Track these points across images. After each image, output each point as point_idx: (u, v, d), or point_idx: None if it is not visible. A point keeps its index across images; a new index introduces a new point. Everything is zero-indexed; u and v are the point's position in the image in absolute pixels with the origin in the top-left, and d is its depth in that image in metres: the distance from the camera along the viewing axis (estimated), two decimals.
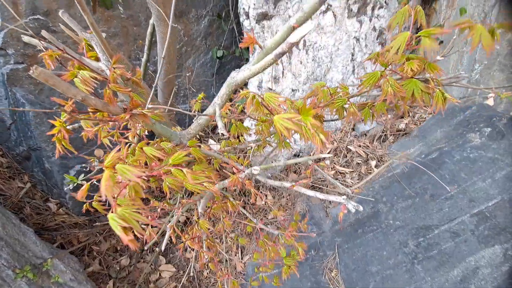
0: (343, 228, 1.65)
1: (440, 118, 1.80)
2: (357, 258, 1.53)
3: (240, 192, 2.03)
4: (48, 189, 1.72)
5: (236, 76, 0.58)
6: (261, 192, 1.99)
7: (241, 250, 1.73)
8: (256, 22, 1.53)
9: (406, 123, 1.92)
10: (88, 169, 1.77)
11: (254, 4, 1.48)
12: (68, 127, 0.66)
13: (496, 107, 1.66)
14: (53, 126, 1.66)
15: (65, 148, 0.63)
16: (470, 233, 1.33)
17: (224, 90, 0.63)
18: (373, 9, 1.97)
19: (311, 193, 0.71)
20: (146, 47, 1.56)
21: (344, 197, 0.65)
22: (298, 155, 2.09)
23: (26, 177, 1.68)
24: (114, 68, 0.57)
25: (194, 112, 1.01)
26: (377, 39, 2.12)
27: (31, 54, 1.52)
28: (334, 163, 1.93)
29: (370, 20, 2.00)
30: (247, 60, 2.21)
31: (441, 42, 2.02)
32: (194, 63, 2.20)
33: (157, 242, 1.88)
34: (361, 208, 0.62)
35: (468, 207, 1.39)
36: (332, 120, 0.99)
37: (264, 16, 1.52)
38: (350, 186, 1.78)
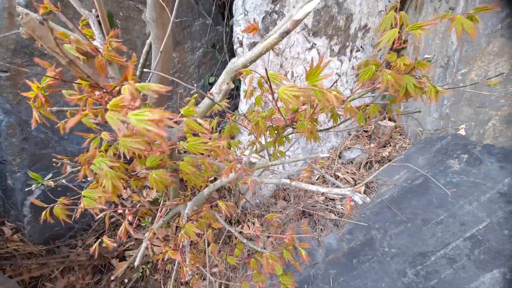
0: (337, 258, 1.53)
1: (420, 147, 1.90)
2: None
3: (225, 220, 1.88)
4: (5, 210, 1.49)
5: (237, 60, 0.58)
6: (248, 220, 1.86)
7: (227, 279, 1.52)
8: (249, 50, 1.64)
9: (389, 151, 2.00)
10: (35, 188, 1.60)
11: (247, 35, 1.61)
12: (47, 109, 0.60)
13: (468, 137, 1.80)
14: (25, 138, 1.51)
15: (44, 117, 0.56)
16: (466, 258, 1.28)
17: (222, 77, 0.63)
18: (351, 51, 2.22)
19: (313, 187, 0.67)
20: (140, 65, 1.59)
21: (349, 189, 0.62)
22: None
23: None
24: (109, 42, 0.55)
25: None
26: (356, 76, 2.34)
27: (18, 63, 1.48)
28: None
29: (349, 60, 2.23)
30: (238, 88, 2.30)
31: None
32: (185, 88, 2.25)
33: (127, 280, 1.62)
34: (368, 200, 0.58)
35: (460, 231, 1.37)
36: (327, 130, 1.00)
37: (255, 45, 1.64)
38: (340, 213, 1.73)
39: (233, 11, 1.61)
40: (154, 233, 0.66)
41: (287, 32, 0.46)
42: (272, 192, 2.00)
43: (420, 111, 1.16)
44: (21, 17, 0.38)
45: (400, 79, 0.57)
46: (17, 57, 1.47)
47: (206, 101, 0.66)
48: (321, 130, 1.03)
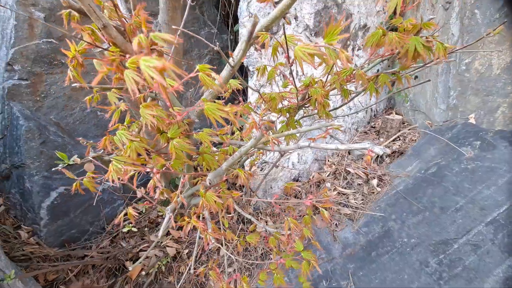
0: (354, 252, 1.49)
1: (430, 137, 1.88)
2: (376, 286, 1.34)
3: (238, 219, 1.87)
4: (22, 213, 1.52)
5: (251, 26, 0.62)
6: (260, 218, 1.84)
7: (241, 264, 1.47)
8: (255, 50, 1.71)
9: (399, 145, 1.99)
10: (69, 191, 1.62)
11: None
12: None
13: (478, 125, 1.79)
14: (44, 142, 1.57)
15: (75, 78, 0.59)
16: (490, 243, 1.24)
17: (240, 46, 0.66)
18: (353, 49, 2.27)
19: (331, 146, 0.68)
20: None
21: (368, 142, 0.62)
22: (297, 180, 2.03)
23: (0, 199, 1.49)
24: (137, 13, 0.59)
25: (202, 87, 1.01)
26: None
27: (37, 72, 1.56)
28: (335, 186, 1.88)
29: (352, 58, 2.28)
30: (244, 93, 2.36)
31: (416, 77, 2.28)
32: (193, 93, 2.31)
33: (140, 284, 1.60)
34: (388, 151, 0.59)
35: (481, 215, 1.33)
36: (336, 108, 1.02)
37: (261, 45, 1.70)
38: (355, 207, 1.70)
39: (238, 15, 1.69)
40: (182, 205, 0.66)
41: None
42: (282, 190, 1.99)
43: (430, 80, 1.17)
44: None
45: (406, 39, 0.60)
46: (37, 66, 1.56)
47: (224, 73, 0.69)
48: (334, 109, 1.04)
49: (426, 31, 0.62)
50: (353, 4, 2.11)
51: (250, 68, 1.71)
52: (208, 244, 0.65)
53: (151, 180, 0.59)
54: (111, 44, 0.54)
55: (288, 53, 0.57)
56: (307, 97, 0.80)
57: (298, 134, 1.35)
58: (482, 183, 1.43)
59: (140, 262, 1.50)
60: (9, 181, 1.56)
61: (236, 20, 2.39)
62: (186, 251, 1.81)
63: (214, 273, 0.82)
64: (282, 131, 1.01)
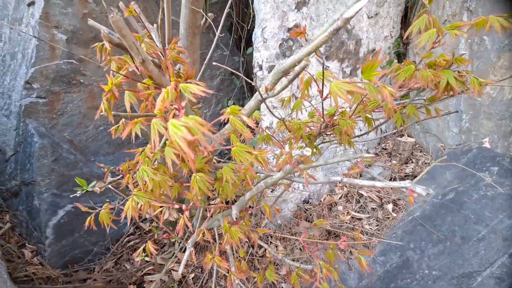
0: (371, 283, 1.41)
1: (445, 161, 1.85)
2: None
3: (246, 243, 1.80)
4: (27, 232, 1.48)
5: (285, 62, 0.62)
6: (270, 243, 1.77)
7: None
8: (268, 72, 1.74)
9: (412, 168, 1.95)
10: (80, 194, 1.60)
11: (267, 59, 1.73)
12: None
13: (493, 149, 1.75)
14: (56, 159, 1.57)
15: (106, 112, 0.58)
16: None
17: (270, 78, 0.66)
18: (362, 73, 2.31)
19: (367, 183, 0.65)
20: None
21: (408, 181, 0.60)
22: (308, 202, 1.98)
23: (7, 217, 1.47)
24: (172, 47, 0.60)
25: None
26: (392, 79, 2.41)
27: (56, 91, 1.60)
28: (348, 209, 1.83)
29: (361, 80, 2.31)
30: (251, 88, 2.38)
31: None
32: (203, 113, 2.34)
33: None
34: (431, 191, 0.56)
35: (504, 246, 1.26)
36: (358, 136, 1.01)
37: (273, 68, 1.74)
38: (370, 233, 1.63)
39: (253, 39, 1.75)
40: (203, 234, 0.63)
41: (337, 30, 0.50)
42: (293, 213, 1.93)
43: (457, 111, 1.16)
44: (112, 15, 0.43)
45: (439, 75, 0.59)
46: (56, 85, 1.59)
47: (251, 103, 0.69)
48: (357, 136, 1.03)
49: (457, 65, 0.62)
50: (362, 30, 2.17)
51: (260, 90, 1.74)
52: (231, 284, 0.61)
53: (181, 220, 0.57)
54: (147, 77, 0.54)
55: (322, 88, 0.57)
56: (330, 125, 0.80)
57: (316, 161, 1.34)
58: (503, 212, 1.37)
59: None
60: (18, 198, 1.54)
61: (247, 43, 2.47)
62: (192, 275, 1.73)
63: None
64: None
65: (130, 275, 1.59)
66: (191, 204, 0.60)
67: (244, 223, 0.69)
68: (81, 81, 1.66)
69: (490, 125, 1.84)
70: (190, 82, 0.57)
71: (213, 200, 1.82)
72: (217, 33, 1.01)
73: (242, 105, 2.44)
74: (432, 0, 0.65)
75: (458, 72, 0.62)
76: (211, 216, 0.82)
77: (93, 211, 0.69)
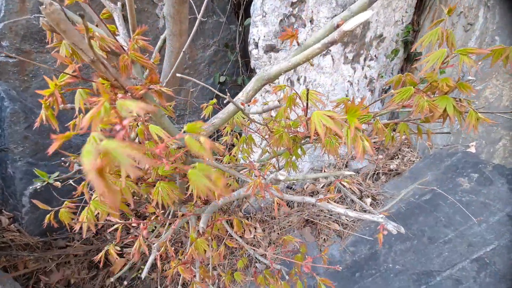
0: (339, 271, 1.50)
1: (429, 162, 1.87)
2: None
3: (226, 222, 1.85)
4: (3, 198, 1.45)
5: (270, 69, 0.55)
6: (250, 224, 1.83)
7: None
8: (264, 52, 1.61)
9: (396, 164, 1.97)
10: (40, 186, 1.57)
11: (264, 36, 1.58)
12: (60, 106, 0.57)
13: (478, 155, 1.77)
14: (29, 126, 1.47)
15: (49, 120, 0.52)
16: (472, 281, 1.26)
17: (251, 84, 0.59)
18: (365, 59, 2.19)
19: (340, 210, 0.64)
20: (152, 60, 1.55)
21: (382, 215, 0.58)
22: (291, 188, 2.01)
23: None
24: (135, 39, 0.51)
25: (204, 116, 0.95)
26: (367, 86, 2.31)
27: (26, 50, 1.44)
28: (329, 199, 1.87)
29: (363, 68, 2.20)
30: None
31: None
32: (194, 86, 2.21)
33: (122, 278, 1.59)
34: (402, 230, 0.55)
35: (468, 252, 1.34)
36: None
37: (272, 48, 1.61)
38: (344, 224, 1.70)
39: (251, 12, 1.58)
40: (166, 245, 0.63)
41: (332, 43, 0.43)
42: (271, 199, 1.97)
43: (450, 133, 1.13)
44: (44, 6, 0.34)
45: (435, 106, 0.54)
46: (26, 43, 1.43)
47: (229, 108, 0.62)
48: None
49: (460, 91, 0.56)
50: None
51: (257, 70, 1.62)
52: None
53: (136, 242, 0.54)
54: (101, 78, 0.46)
55: (307, 109, 0.51)
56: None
57: (297, 160, 1.31)
58: (474, 218, 1.43)
59: (124, 257, 1.46)
60: None
61: (246, 11, 2.24)
62: (173, 248, 1.80)
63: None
64: (285, 157, 0.96)
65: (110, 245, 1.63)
66: (152, 219, 0.57)
67: (213, 229, 0.68)
68: (55, 40, 1.49)
69: (481, 130, 1.83)
70: (153, 88, 0.50)
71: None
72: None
73: (235, 81, 2.31)
74: (452, 12, 0.56)
75: (460, 100, 0.57)
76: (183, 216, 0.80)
77: (52, 209, 0.66)
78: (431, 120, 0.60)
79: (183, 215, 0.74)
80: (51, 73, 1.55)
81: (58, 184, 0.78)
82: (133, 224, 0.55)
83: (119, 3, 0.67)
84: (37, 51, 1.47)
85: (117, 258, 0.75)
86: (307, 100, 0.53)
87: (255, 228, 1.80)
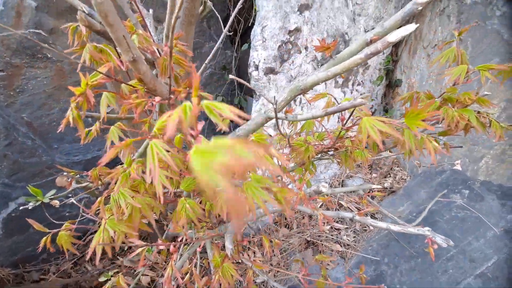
0: None
1: (420, 180, 1.94)
2: None
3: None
4: None
5: (307, 79, 0.56)
6: (248, 248, 1.72)
7: None
8: (264, 74, 1.66)
9: (390, 182, 2.02)
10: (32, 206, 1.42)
11: (264, 60, 1.65)
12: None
13: (464, 172, 1.87)
14: (10, 143, 1.35)
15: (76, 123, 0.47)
16: None
17: (284, 95, 0.59)
18: (353, 84, 2.33)
19: (382, 224, 0.62)
20: None
21: (428, 228, 0.57)
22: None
23: None
24: (175, 43, 0.50)
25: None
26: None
27: (16, 64, 1.37)
28: (328, 219, 1.84)
29: (351, 92, 2.33)
30: (241, 107, 2.29)
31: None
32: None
33: None
34: (451, 243, 0.54)
35: (470, 268, 1.35)
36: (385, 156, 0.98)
37: (271, 71, 1.67)
38: (346, 245, 1.65)
39: (251, 37, 1.65)
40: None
41: (374, 54, 0.45)
42: (273, 218, 1.90)
43: (462, 146, 1.20)
44: None
45: (464, 117, 0.57)
46: (17, 57, 1.37)
47: (257, 120, 0.61)
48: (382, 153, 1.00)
49: (479, 105, 0.60)
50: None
51: (257, 92, 1.66)
52: None
53: (168, 269, 0.48)
54: (136, 79, 0.44)
55: (348, 118, 0.51)
56: (336, 146, 0.75)
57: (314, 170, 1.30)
58: (472, 234, 1.46)
59: None
60: None
61: (242, 37, 2.36)
62: (162, 279, 1.63)
63: None
64: (298, 173, 0.94)
65: (91, 278, 1.44)
66: (180, 238, 0.51)
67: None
68: (49, 55, 1.44)
69: (464, 149, 1.96)
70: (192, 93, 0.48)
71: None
72: (225, 30, 0.91)
73: (231, 102, 2.34)
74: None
75: (479, 112, 0.61)
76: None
77: (49, 232, 0.57)
78: (454, 131, 0.63)
79: (205, 236, 0.68)
80: (41, 88, 1.47)
81: (56, 202, 0.69)
82: (161, 247, 0.49)
83: (151, 10, 0.66)
84: (28, 66, 1.40)
85: None
86: (354, 109, 0.54)
87: (254, 252, 1.69)
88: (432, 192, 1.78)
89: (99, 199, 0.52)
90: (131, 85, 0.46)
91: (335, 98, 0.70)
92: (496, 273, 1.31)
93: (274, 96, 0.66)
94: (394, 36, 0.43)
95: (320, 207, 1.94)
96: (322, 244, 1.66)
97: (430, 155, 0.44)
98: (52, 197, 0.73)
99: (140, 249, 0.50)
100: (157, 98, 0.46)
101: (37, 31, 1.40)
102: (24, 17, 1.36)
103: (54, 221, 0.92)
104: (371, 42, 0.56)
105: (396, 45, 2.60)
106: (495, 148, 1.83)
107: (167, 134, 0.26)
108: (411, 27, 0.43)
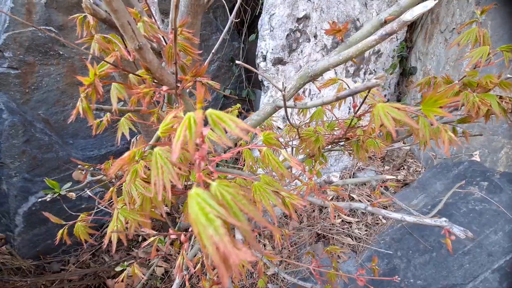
0: None
1: (436, 171, 1.87)
2: None
3: None
4: None
5: (316, 64, 0.53)
6: (259, 240, 1.74)
7: None
8: (272, 65, 1.63)
9: (404, 175, 1.97)
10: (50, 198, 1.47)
11: (272, 50, 1.61)
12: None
13: (482, 163, 1.79)
14: (28, 140, 1.40)
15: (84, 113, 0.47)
16: None
17: (293, 82, 0.58)
18: (365, 73, 2.26)
19: (397, 215, 0.60)
20: None
21: (445, 219, 0.55)
22: None
23: None
24: (180, 30, 0.49)
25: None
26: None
27: (30, 62, 1.40)
28: (338, 212, 1.82)
29: (363, 81, 2.26)
30: (250, 101, 2.27)
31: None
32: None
33: None
34: (470, 234, 0.51)
35: (488, 262, 1.30)
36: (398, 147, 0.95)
37: (279, 61, 1.63)
38: (358, 238, 1.63)
39: (258, 26, 1.62)
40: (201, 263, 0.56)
41: (390, 34, 0.42)
42: (282, 211, 1.90)
43: (482, 134, 1.14)
44: None
45: (486, 103, 0.53)
46: (30, 55, 1.40)
47: (266, 109, 0.60)
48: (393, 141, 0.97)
49: (502, 89, 0.56)
50: None
51: (265, 83, 1.63)
52: None
53: (179, 258, 0.48)
54: (142, 68, 0.43)
55: (360, 105, 0.49)
56: (347, 137, 0.73)
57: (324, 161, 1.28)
58: (489, 227, 1.41)
59: (123, 281, 1.34)
60: None
61: (249, 29, 2.31)
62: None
63: None
64: (308, 165, 0.93)
65: (108, 269, 1.50)
66: (190, 230, 0.51)
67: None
68: (60, 52, 1.47)
69: (482, 139, 1.87)
70: (200, 81, 0.47)
71: None
72: (231, 17, 0.88)
73: (239, 95, 2.32)
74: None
75: (501, 97, 0.57)
76: None
77: (66, 224, 0.59)
78: (474, 119, 0.59)
79: None
80: (55, 85, 1.50)
81: (72, 195, 0.71)
82: (172, 236, 0.49)
83: None
84: (41, 63, 1.43)
85: (142, 277, 0.67)
86: (368, 92, 0.51)
87: (264, 245, 1.71)
88: (448, 184, 1.72)
89: (111, 188, 0.53)
90: (138, 75, 0.45)
91: (347, 84, 0.67)
92: None
93: (283, 83, 0.64)
94: (411, 15, 0.40)
95: (331, 199, 1.92)
96: (333, 238, 1.65)
97: (444, 145, 0.41)
98: (68, 189, 0.75)
99: (152, 238, 0.50)
100: (164, 88, 0.45)
101: (47, 27, 1.42)
102: (34, 14, 1.38)
103: (72, 213, 0.95)
104: (386, 22, 0.53)
105: (411, 31, 2.48)
106: None
107: (173, 159, 0.24)
108: (430, 3, 0.40)
